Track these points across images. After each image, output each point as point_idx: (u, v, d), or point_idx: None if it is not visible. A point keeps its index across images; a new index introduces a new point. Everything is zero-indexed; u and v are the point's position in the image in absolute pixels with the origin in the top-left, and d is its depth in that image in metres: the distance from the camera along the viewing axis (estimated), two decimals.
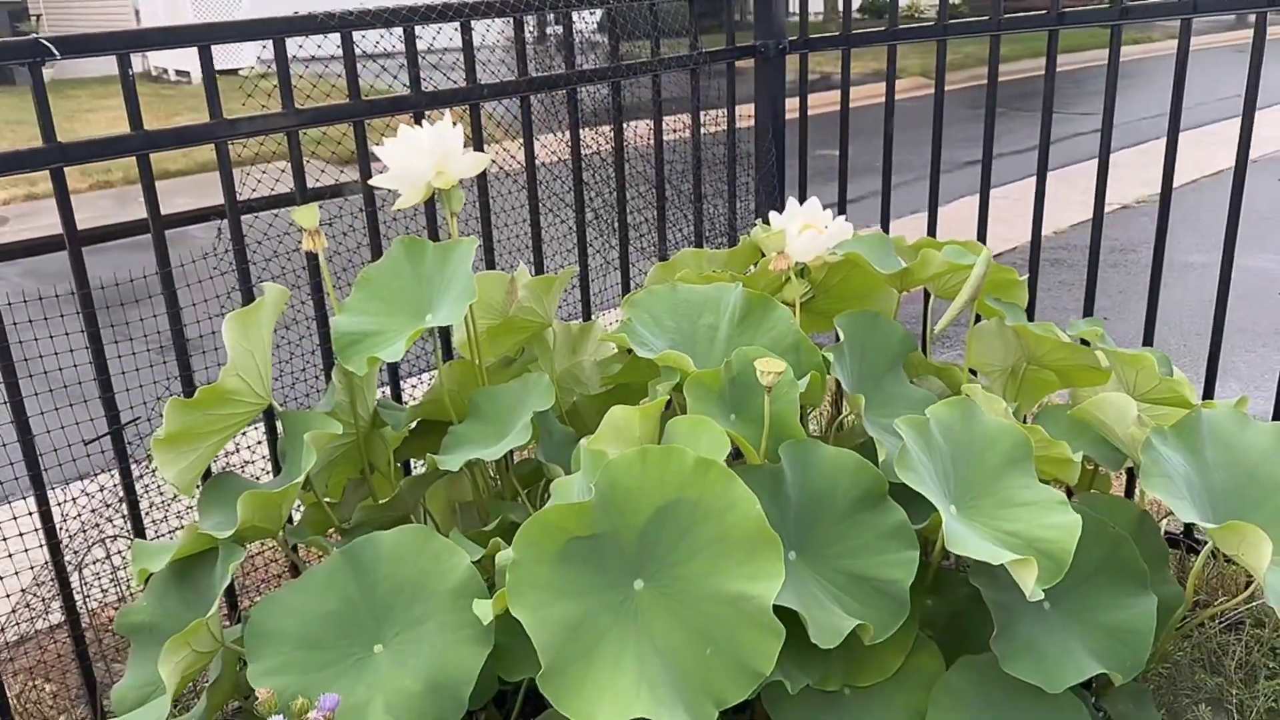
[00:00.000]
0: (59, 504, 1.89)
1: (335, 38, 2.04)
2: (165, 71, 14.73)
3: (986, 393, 1.84)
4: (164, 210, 1.94)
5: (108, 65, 1.71)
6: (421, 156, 1.88)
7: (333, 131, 2.15)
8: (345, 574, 1.64)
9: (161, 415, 1.75)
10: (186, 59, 14.20)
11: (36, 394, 1.96)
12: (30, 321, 2.04)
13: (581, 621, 1.42)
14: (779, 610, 1.48)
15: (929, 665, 1.75)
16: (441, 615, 1.60)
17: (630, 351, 2.25)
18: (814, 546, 1.68)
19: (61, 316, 2.14)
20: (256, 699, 1.91)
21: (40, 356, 2.05)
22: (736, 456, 1.79)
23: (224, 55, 1.95)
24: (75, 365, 2.02)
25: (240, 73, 2.31)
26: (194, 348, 2.03)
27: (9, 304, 1.99)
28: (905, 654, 1.73)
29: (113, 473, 1.98)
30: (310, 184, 2.10)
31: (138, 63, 15.21)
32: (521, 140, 2.43)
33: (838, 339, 2.02)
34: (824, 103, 3.11)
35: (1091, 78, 13.17)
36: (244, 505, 1.65)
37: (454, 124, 1.91)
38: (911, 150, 2.68)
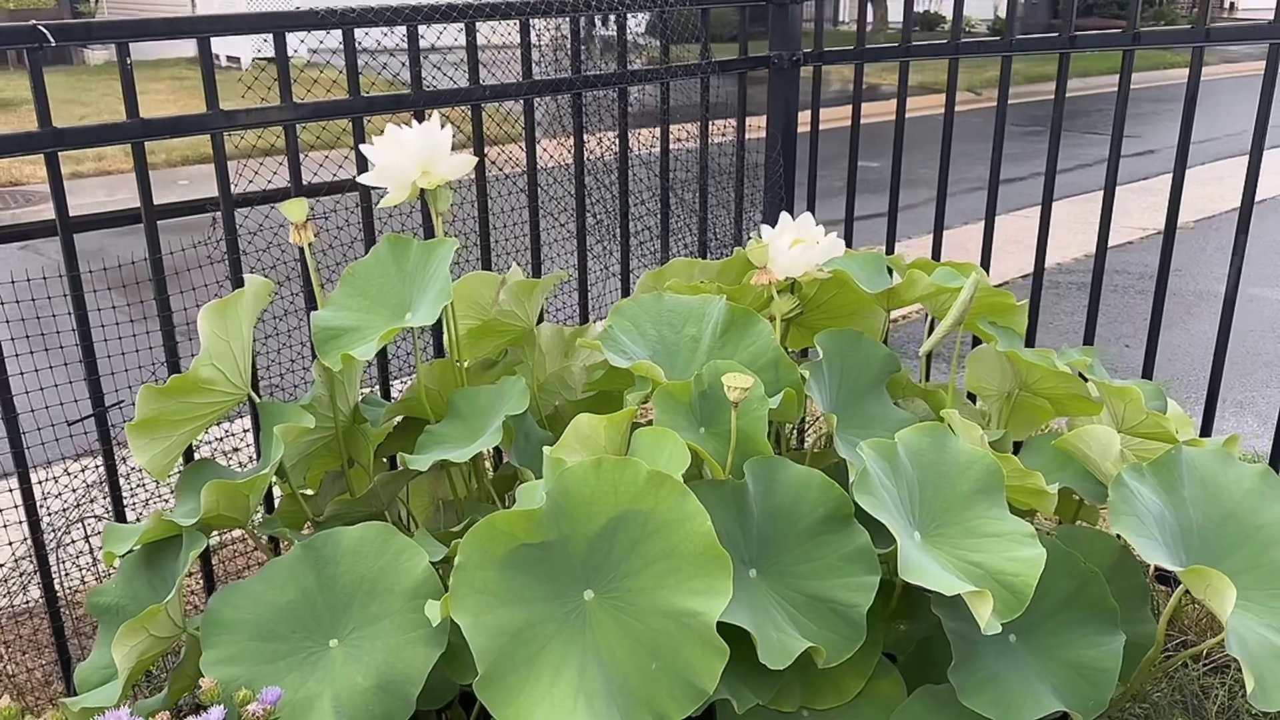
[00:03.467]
0: (39, 483, 1.92)
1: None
2: (215, 57, 14.94)
3: (965, 419, 1.81)
4: (202, 193, 1.99)
5: (160, 48, 1.75)
6: (407, 156, 1.88)
7: (332, 127, 2.17)
8: (305, 567, 1.65)
9: None
10: (236, 45, 14.37)
11: (52, 367, 2.00)
12: (33, 300, 2.09)
13: (523, 629, 1.42)
14: (734, 628, 1.47)
15: (889, 691, 1.73)
16: (398, 614, 1.60)
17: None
18: (775, 565, 1.66)
19: (65, 295, 2.17)
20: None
21: (43, 334, 2.08)
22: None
23: (262, 43, 2.00)
24: (106, 343, 2.05)
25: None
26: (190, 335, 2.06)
27: (13, 281, 2.03)
28: (866, 679, 1.71)
29: (95, 455, 2.01)
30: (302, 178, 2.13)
31: (185, 48, 15.44)
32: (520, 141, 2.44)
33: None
34: (843, 116, 3.09)
35: (1132, 100, 12.95)
36: (208, 494, 1.67)
37: (442, 125, 1.92)
38: (933, 166, 2.65)
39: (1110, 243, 2.49)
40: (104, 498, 2.02)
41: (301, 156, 2.12)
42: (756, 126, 2.87)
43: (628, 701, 1.41)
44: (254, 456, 2.36)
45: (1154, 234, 6.57)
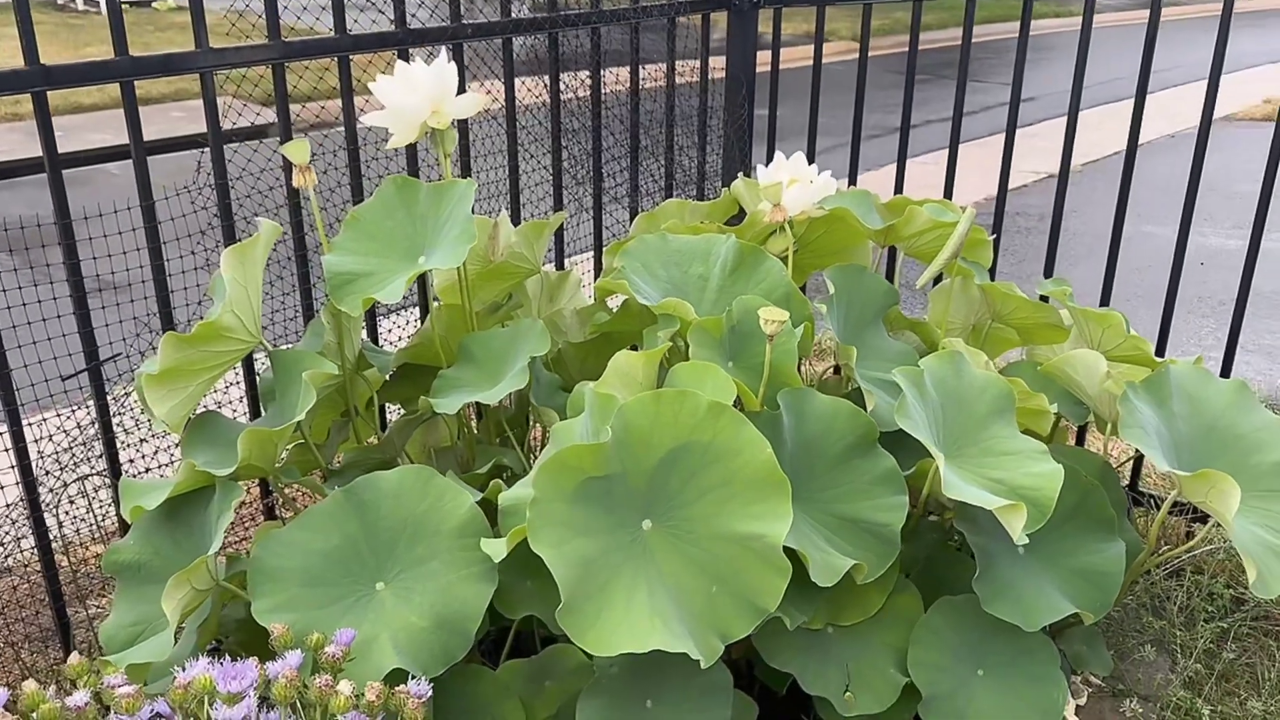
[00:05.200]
0: (35, 440, 1.84)
1: None
2: (72, 0, 14.00)
3: (970, 347, 1.90)
4: (77, 146, 1.88)
5: None
6: (417, 95, 1.85)
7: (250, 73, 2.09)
8: (346, 512, 1.64)
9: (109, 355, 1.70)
10: None
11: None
12: None
13: (596, 558, 1.45)
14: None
15: (908, 605, 1.83)
16: (446, 554, 1.61)
17: (607, 301, 2.27)
18: (808, 490, 1.73)
19: None
20: (234, 639, 1.90)
21: None
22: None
23: None
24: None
25: (154, 5, 2.21)
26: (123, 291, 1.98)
27: None
28: (887, 594, 1.80)
29: (85, 410, 1.93)
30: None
31: None
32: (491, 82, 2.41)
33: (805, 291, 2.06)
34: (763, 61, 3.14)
35: (1012, 49, 13.45)
36: (244, 443, 1.63)
37: (449, 61, 1.89)
38: (832, 114, 2.74)
39: (1010, 185, 2.63)
40: (97, 456, 1.94)
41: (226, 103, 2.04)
42: (717, 68, 2.90)
43: (695, 622, 1.47)
44: (236, 409, 2.30)
45: (1047, 177, 6.87)
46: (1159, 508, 2.51)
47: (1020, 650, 1.77)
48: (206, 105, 1.92)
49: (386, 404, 2.37)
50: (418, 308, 2.48)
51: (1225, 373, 2.38)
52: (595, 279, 2.69)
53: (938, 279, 2.51)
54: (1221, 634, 2.23)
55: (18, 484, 1.83)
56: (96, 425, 1.91)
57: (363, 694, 1.30)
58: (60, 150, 1.76)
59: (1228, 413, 1.86)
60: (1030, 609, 1.73)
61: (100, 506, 2.04)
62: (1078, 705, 2.06)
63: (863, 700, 1.72)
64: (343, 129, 2.16)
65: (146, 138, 1.86)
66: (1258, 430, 1.87)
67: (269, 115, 2.07)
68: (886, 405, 1.78)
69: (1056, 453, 2.06)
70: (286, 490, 2.06)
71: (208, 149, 1.95)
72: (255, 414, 2.15)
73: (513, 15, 2.34)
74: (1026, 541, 1.60)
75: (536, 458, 1.88)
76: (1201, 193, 2.43)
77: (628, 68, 2.65)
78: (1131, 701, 2.05)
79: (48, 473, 1.90)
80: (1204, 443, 1.83)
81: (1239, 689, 2.11)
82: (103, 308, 1.98)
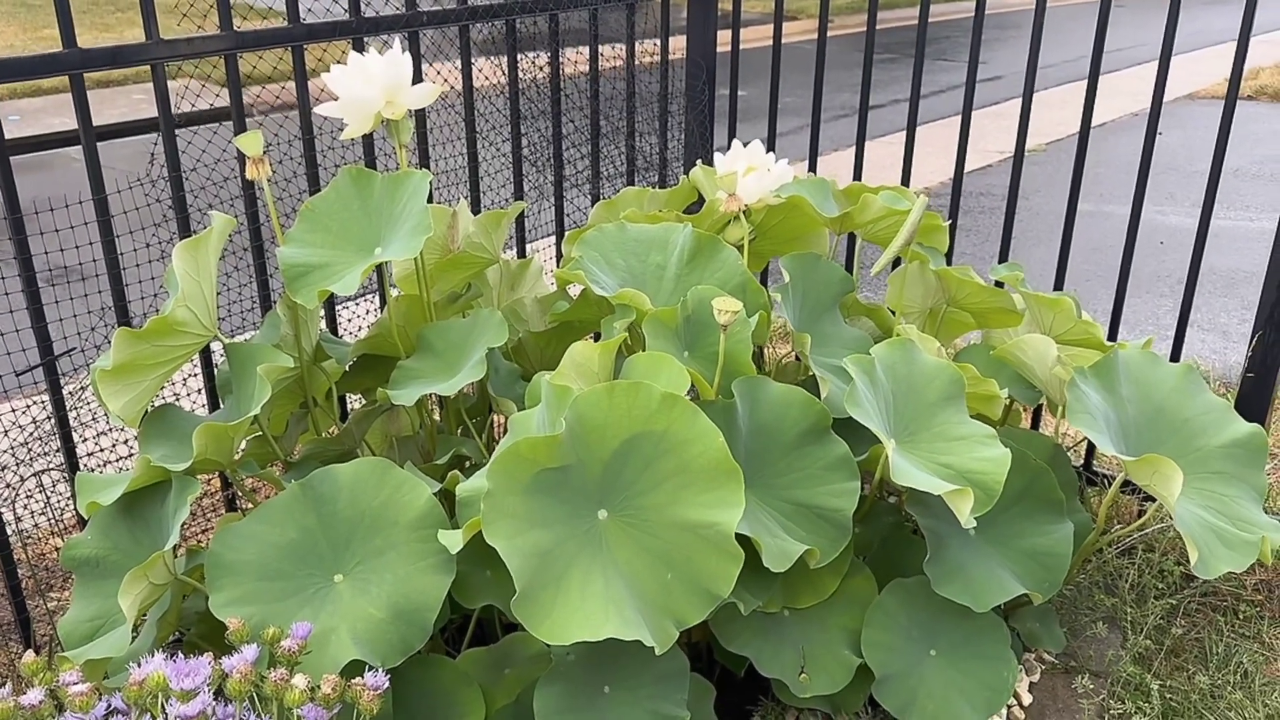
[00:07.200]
0: None
1: None
2: None
3: (921, 334, 1.93)
4: (37, 130, 1.86)
5: None
6: (372, 85, 1.85)
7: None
8: (303, 505, 1.64)
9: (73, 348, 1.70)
10: None
11: None
12: None
13: (551, 549, 1.47)
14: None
15: (862, 587, 1.86)
16: (403, 545, 1.62)
17: (568, 289, 2.28)
18: (763, 477, 1.75)
19: None
20: (196, 631, 1.91)
21: None
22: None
23: None
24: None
25: None
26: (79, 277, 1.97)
27: None
28: (841, 578, 1.84)
29: (39, 404, 1.92)
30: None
31: None
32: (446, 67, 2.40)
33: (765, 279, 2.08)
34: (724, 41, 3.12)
35: (994, 25, 13.48)
36: (199, 437, 1.63)
37: (403, 51, 1.89)
38: (794, 94, 2.73)
39: (969, 167, 2.64)
40: (56, 450, 1.93)
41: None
42: (677, 50, 2.90)
43: (649, 609, 1.49)
44: (196, 400, 2.29)
45: (1008, 157, 6.93)
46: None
47: (971, 630, 1.81)
48: (158, 98, 1.91)
49: (347, 394, 2.38)
50: (378, 296, 2.48)
51: (1176, 354, 2.42)
52: (558, 266, 2.70)
53: (895, 263, 2.54)
54: (1171, 610, 2.28)
55: None
56: (53, 419, 1.90)
57: (318, 687, 1.31)
58: (20, 135, 1.74)
59: (1174, 396, 1.90)
60: (980, 590, 1.77)
61: (59, 500, 2.03)
62: (1031, 682, 2.10)
63: (818, 681, 1.76)
64: None
65: (109, 120, 1.87)
66: (1203, 414, 1.91)
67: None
68: (840, 392, 1.81)
69: (1007, 436, 2.10)
70: (248, 482, 2.06)
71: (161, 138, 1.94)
72: (214, 405, 2.14)
73: (469, 2, 2.33)
74: (974, 525, 1.63)
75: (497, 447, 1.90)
76: (1162, 171, 2.46)
77: (586, 49, 2.64)
78: (1083, 678, 2.10)
79: (3, 468, 1.89)
80: (1151, 426, 1.87)
81: (1188, 664, 2.16)
82: (56, 302, 1.97)
